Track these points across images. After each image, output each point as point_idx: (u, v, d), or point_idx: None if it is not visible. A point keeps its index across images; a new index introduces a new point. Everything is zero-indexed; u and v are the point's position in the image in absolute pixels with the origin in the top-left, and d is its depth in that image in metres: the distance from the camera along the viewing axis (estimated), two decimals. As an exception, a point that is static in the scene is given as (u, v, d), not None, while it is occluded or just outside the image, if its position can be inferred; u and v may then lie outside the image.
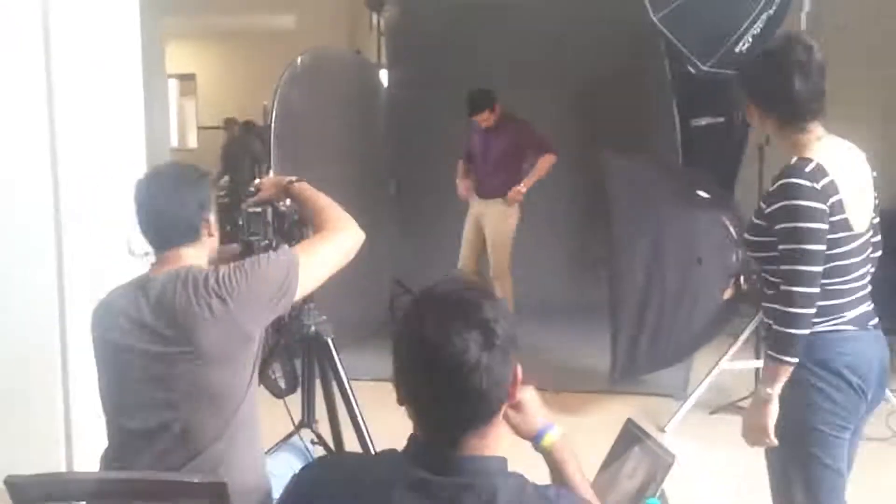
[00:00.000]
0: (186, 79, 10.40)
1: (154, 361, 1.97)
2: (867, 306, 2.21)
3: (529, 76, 6.32)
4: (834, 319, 2.14)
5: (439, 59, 6.55)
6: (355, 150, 5.79)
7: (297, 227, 2.52)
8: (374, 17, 6.76)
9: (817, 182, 2.07)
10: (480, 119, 5.51)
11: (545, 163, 5.52)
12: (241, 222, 2.48)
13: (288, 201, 2.49)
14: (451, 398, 1.33)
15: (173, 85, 10.15)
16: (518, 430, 1.65)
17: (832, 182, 2.09)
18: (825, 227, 2.07)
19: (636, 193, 4.52)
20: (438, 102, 6.30)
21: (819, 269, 2.07)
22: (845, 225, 2.11)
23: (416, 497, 1.34)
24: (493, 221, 5.62)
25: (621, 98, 6.28)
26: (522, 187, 5.49)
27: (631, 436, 2.14)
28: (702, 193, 4.58)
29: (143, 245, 3.63)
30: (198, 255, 2.10)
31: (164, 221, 2.08)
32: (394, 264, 6.35)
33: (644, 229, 4.46)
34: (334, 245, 2.17)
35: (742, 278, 4.44)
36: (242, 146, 8.63)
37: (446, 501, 1.33)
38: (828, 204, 2.07)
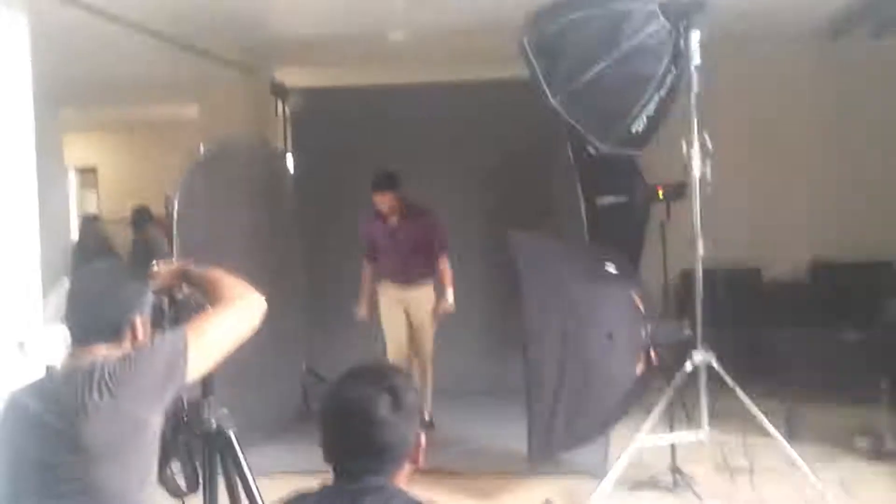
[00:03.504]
0: (88, 171, 10.21)
1: (45, 462, 1.88)
2: None
3: (437, 159, 6.42)
4: None
5: (344, 145, 6.59)
6: (263, 238, 5.72)
7: (198, 313, 2.44)
8: (279, 104, 6.76)
9: None
10: (382, 199, 5.40)
11: (447, 269, 5.52)
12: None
13: (185, 288, 2.42)
14: (360, 449, 1.62)
15: (74, 177, 9.95)
16: None
17: None
18: None
19: (544, 270, 4.55)
20: (345, 188, 6.30)
21: None
22: None
23: (322, 500, 1.63)
24: (421, 304, 5.55)
25: (528, 179, 6.41)
26: (450, 304, 5.46)
27: None
28: (610, 269, 4.64)
29: (35, 344, 3.50)
30: (113, 355, 2.01)
31: (86, 317, 2.03)
32: (306, 354, 6.23)
33: (554, 306, 4.48)
34: (227, 318, 2.08)
35: (653, 352, 4.49)
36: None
37: (348, 497, 1.60)
38: None
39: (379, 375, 1.70)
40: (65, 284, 2.25)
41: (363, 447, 1.62)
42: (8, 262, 3.89)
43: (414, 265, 5.53)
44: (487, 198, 6.60)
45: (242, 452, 2.66)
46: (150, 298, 2.14)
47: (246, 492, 2.62)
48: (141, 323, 2.06)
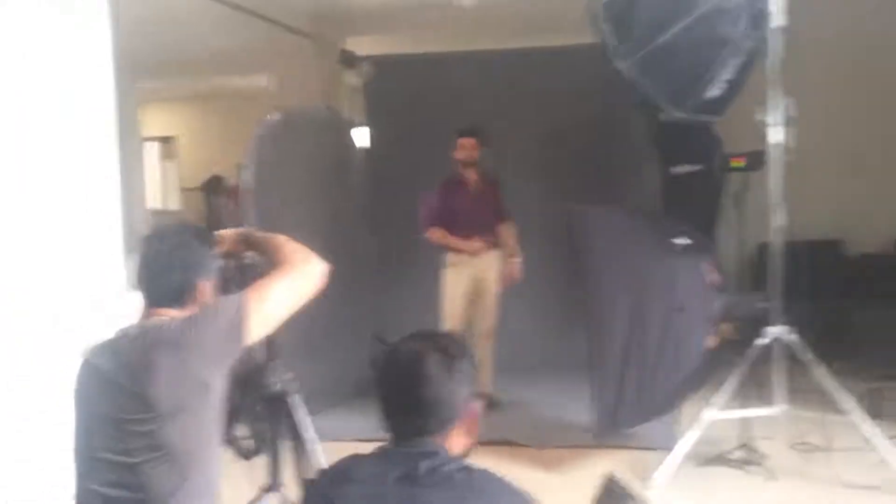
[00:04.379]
0: (167, 141, 10.40)
1: (116, 419, 1.96)
2: None
3: (506, 127, 6.31)
4: None
5: (413, 113, 6.54)
6: (331, 207, 5.72)
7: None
8: (349, 73, 6.75)
9: None
10: (466, 145, 5.41)
11: (514, 234, 5.53)
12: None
13: (250, 252, 2.44)
14: (410, 407, 1.66)
15: (154, 148, 10.14)
16: None
17: None
18: None
19: (608, 244, 4.47)
20: (415, 157, 6.27)
21: None
22: None
23: (377, 461, 1.66)
24: (489, 273, 5.48)
25: (599, 148, 6.28)
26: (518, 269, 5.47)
27: (612, 492, 2.08)
28: (681, 240, 4.52)
29: (119, 311, 3.56)
30: (179, 317, 2.05)
31: (154, 281, 2.09)
32: (375, 322, 6.23)
33: (621, 280, 4.39)
34: (289, 281, 2.11)
35: (726, 326, 4.37)
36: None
37: (401, 459, 1.63)
38: None
39: (432, 337, 1.75)
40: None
41: (412, 405, 1.66)
42: (91, 230, 3.96)
43: (487, 231, 5.50)
44: (556, 168, 6.49)
45: (307, 416, 2.68)
46: (216, 263, 2.17)
47: (309, 455, 2.63)
48: (207, 287, 2.10)
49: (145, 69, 7.32)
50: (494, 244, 5.52)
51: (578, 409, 4.76)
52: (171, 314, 2.05)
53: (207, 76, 8.42)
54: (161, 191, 10.26)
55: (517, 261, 5.48)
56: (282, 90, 7.38)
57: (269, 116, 5.17)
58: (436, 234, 5.52)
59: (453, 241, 5.48)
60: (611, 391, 4.42)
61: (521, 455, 4.57)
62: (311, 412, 2.78)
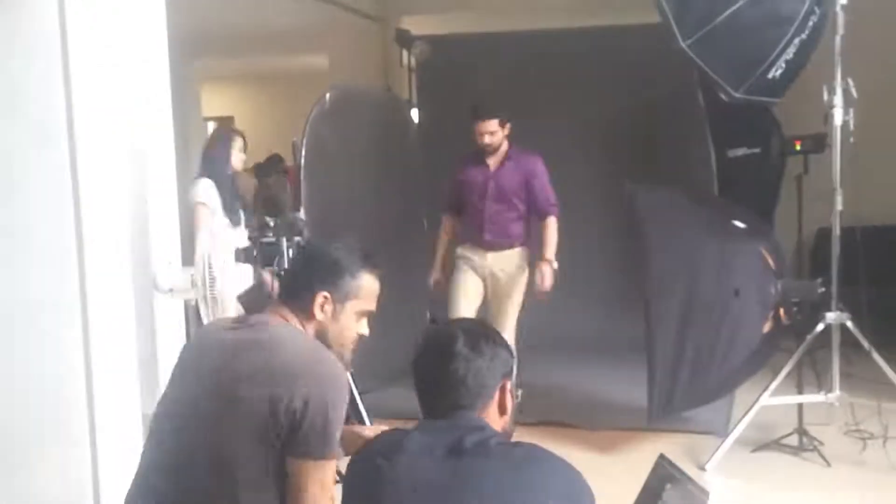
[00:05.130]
0: (225, 121, 10.51)
1: (206, 401, 1.90)
2: None
3: (560, 108, 6.27)
4: None
5: (469, 93, 6.52)
6: (386, 186, 5.76)
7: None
8: (405, 53, 6.75)
9: None
10: (483, 129, 4.61)
11: (555, 230, 4.70)
12: (255, 253, 2.47)
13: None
14: (440, 381, 1.76)
15: (212, 127, 10.26)
16: None
17: None
18: None
19: (666, 225, 4.41)
20: (468, 138, 6.26)
21: None
22: None
23: (425, 434, 1.73)
24: (503, 273, 4.73)
25: (654, 129, 6.21)
26: (548, 283, 4.61)
27: (663, 473, 2.08)
28: (738, 223, 4.47)
29: (168, 282, 3.65)
30: (298, 326, 2.01)
31: (290, 280, 2.14)
32: (430, 304, 6.25)
33: (678, 261, 4.35)
34: None
35: (782, 311, 4.31)
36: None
37: (447, 432, 1.70)
38: None
39: (469, 322, 1.96)
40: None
41: (442, 379, 1.76)
42: (149, 207, 4.04)
43: (506, 221, 4.74)
44: (611, 148, 6.43)
45: (360, 394, 2.71)
46: (344, 282, 2.04)
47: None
48: (328, 300, 2.02)
49: (203, 49, 7.42)
50: (518, 242, 4.75)
51: (632, 391, 4.74)
52: (292, 320, 2.00)
53: (265, 56, 8.49)
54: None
55: (549, 267, 4.63)
56: (338, 70, 7.40)
57: (324, 95, 5.20)
58: (445, 225, 5.01)
59: (439, 246, 4.94)
60: (665, 374, 4.38)
61: (572, 436, 4.58)
62: (363, 391, 2.82)
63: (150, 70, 4.13)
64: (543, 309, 4.84)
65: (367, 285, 2.05)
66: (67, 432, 3.25)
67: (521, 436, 1.80)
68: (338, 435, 1.84)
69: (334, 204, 5.12)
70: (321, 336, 2.01)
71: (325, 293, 1.99)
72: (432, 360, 1.80)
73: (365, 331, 2.08)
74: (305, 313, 2.00)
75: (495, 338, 1.84)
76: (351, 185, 5.27)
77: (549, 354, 5.58)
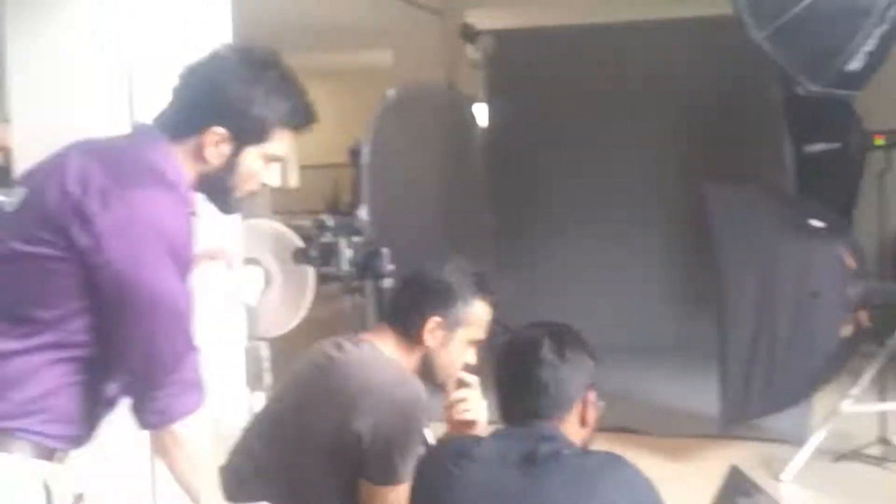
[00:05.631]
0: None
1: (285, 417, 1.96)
2: None
3: (629, 104, 6.13)
4: None
5: (537, 89, 6.41)
6: (450, 184, 5.70)
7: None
8: (471, 49, 6.67)
9: None
10: None
11: None
12: (313, 253, 2.43)
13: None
14: (523, 387, 1.71)
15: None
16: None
17: None
18: None
19: (742, 225, 4.26)
20: (536, 135, 6.17)
21: None
22: None
23: (498, 441, 1.68)
24: None
25: (728, 125, 6.02)
26: None
27: (736, 485, 2.05)
28: (816, 223, 4.29)
29: (237, 287, 3.62)
30: (399, 351, 1.94)
31: (394, 302, 2.07)
32: (500, 307, 6.16)
33: (753, 263, 4.19)
34: None
35: (863, 313, 4.13)
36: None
37: (520, 441, 1.64)
38: None
39: (549, 325, 1.80)
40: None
41: (525, 386, 1.71)
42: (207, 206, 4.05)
43: None
44: (684, 144, 6.27)
45: None
46: (457, 308, 1.97)
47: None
48: (439, 327, 1.94)
49: (270, 44, 7.45)
50: None
51: (703, 396, 4.59)
52: (389, 343, 1.94)
53: (329, 52, 8.49)
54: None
55: None
56: (402, 66, 7.35)
57: (387, 92, 5.16)
58: None
59: None
60: (739, 379, 4.23)
61: (641, 443, 4.45)
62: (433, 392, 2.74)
63: None
64: (609, 310, 4.74)
65: (479, 313, 1.98)
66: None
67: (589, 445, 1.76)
68: (409, 461, 1.79)
69: (397, 204, 5.09)
70: (427, 363, 1.95)
71: (437, 319, 1.93)
72: (515, 364, 1.76)
73: (472, 360, 2.01)
74: (412, 339, 1.94)
75: (582, 344, 1.79)
76: (413, 184, 5.22)
77: (614, 357, 5.43)
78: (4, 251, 1.56)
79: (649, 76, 6.21)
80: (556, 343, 1.73)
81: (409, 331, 1.94)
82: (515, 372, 1.75)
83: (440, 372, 1.96)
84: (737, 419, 4.31)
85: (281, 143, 1.68)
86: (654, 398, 5.21)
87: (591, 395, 1.77)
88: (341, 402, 1.80)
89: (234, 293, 3.69)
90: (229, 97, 1.60)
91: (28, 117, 3.13)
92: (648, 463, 4.10)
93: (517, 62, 6.61)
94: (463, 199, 5.89)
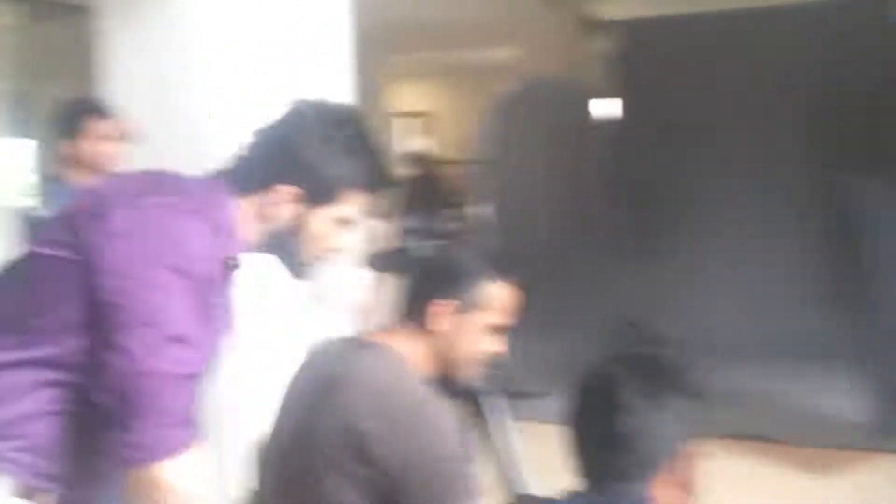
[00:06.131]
0: (420, 117, 10.55)
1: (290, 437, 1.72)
2: None
3: (769, 94, 5.77)
4: None
5: (664, 82, 6.11)
6: (572, 182, 5.49)
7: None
8: (594, 41, 6.42)
9: None
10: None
11: None
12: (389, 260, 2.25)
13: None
14: (601, 440, 1.34)
15: (409, 124, 10.31)
16: None
17: None
18: None
19: (888, 222, 3.91)
20: (670, 128, 5.87)
21: None
22: None
23: None
24: None
25: (876, 115, 5.56)
26: None
27: None
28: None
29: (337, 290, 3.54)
30: (410, 345, 1.72)
31: (403, 292, 1.83)
32: (620, 302, 5.87)
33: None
34: None
35: None
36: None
37: None
38: None
39: (634, 355, 1.43)
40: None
41: (605, 440, 1.34)
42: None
43: None
44: (827, 135, 5.82)
45: (509, 423, 2.39)
46: (465, 289, 1.76)
47: (505, 471, 2.25)
48: (445, 311, 1.72)
49: (392, 44, 7.44)
50: None
51: (849, 403, 4.24)
52: (405, 342, 1.72)
53: (449, 49, 8.42)
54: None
55: None
56: (526, 61, 7.18)
57: (506, 89, 5.02)
58: None
59: None
60: (890, 384, 3.88)
61: (775, 453, 4.12)
62: (544, 394, 2.56)
63: (333, 72, 4.10)
64: (744, 312, 4.44)
65: (495, 295, 1.74)
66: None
67: (713, 450, 1.45)
68: (453, 480, 1.58)
69: (514, 199, 4.96)
70: (439, 353, 1.73)
71: (442, 302, 1.71)
72: (589, 410, 1.39)
73: (494, 348, 1.77)
74: (420, 327, 1.72)
75: (678, 381, 1.38)
76: (534, 180, 5.06)
77: (747, 358, 5.12)
78: (25, 254, 1.52)
79: (789, 64, 5.82)
80: (642, 381, 1.34)
81: (416, 318, 1.72)
82: (589, 420, 1.37)
83: (450, 361, 1.73)
84: (888, 429, 3.95)
85: (353, 205, 1.58)
86: (789, 403, 4.85)
87: (690, 449, 1.37)
88: (345, 425, 1.58)
89: (347, 296, 3.64)
90: (299, 154, 1.53)
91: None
92: (783, 475, 3.82)
93: (644, 52, 6.30)
94: (585, 196, 5.67)
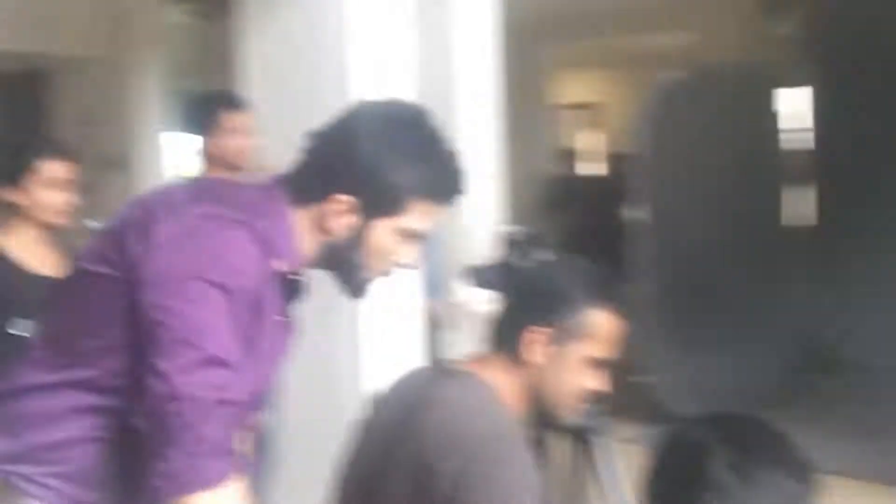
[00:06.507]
0: (587, 108, 10.19)
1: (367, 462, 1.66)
2: None
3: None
4: None
5: (868, 68, 5.33)
6: (744, 182, 4.90)
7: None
8: (774, 26, 5.90)
9: None
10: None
11: None
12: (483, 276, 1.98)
13: None
14: None
15: (577, 115, 9.97)
16: None
17: None
18: None
19: None
20: (873, 120, 5.15)
21: None
22: None
23: None
24: None
25: None
26: None
27: None
28: None
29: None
30: (502, 376, 1.57)
31: (495, 316, 1.67)
32: (806, 319, 5.18)
33: None
34: None
35: None
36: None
37: None
38: None
39: (731, 419, 1.24)
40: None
41: None
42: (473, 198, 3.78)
43: None
44: None
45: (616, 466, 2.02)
46: (565, 315, 1.58)
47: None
48: (541, 340, 1.55)
49: (558, 32, 7.18)
50: None
51: None
52: (499, 374, 1.57)
53: (628, 36, 8.06)
54: (586, 159, 10.02)
55: None
56: (705, 46, 6.71)
57: (671, 77, 4.58)
58: None
59: None
60: None
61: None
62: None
63: (478, 65, 3.95)
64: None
65: (599, 323, 1.55)
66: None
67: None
68: None
69: (675, 198, 4.50)
70: (532, 386, 1.57)
71: (538, 329, 1.54)
72: (670, 483, 1.20)
73: (594, 384, 1.58)
74: (513, 357, 1.56)
75: (780, 455, 1.17)
76: (698, 177, 4.58)
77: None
78: (73, 270, 1.50)
79: None
80: (736, 453, 1.15)
81: (508, 347, 1.56)
82: (670, 495, 1.19)
83: (548, 397, 1.57)
84: None
85: (421, 216, 1.46)
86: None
87: None
88: (419, 456, 1.48)
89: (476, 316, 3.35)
90: (359, 161, 1.42)
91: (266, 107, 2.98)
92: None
93: (846, 31, 5.53)
94: (758, 197, 5.07)
